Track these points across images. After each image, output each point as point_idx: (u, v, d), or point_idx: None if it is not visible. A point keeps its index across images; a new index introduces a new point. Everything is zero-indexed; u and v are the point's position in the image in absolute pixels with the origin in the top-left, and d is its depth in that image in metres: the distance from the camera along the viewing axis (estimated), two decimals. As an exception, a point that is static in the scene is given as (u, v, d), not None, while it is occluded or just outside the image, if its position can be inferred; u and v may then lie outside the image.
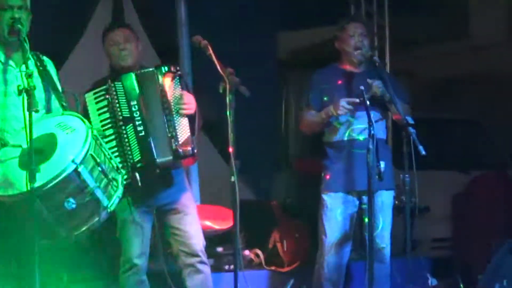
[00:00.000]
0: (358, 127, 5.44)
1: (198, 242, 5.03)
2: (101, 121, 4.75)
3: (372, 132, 5.00)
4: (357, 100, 5.21)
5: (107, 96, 4.76)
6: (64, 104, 4.45)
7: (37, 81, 4.37)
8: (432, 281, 5.97)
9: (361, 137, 5.39)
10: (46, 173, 3.87)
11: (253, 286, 6.12)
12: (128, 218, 4.97)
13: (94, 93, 4.81)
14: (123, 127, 4.72)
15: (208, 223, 5.95)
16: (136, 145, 4.71)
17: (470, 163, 8.43)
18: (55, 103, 4.46)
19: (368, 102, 5.15)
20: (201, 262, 5.02)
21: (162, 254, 5.11)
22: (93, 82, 4.94)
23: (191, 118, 4.81)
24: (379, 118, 5.48)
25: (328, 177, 5.57)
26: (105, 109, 4.77)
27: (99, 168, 4.06)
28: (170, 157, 4.73)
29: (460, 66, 10.69)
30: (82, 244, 6.29)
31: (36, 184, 3.76)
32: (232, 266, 6.12)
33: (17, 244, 4.16)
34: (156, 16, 7.06)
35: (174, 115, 4.75)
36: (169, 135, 4.73)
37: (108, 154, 4.26)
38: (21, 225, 3.95)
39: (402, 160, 5.28)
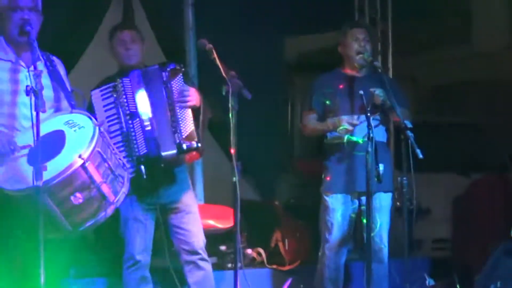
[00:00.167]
0: (358, 130, 5.46)
1: (198, 241, 5.06)
2: (107, 117, 4.80)
3: (371, 135, 5.02)
4: (357, 122, 5.28)
5: (114, 92, 4.82)
6: (72, 103, 4.48)
7: (46, 80, 4.40)
8: (429, 281, 5.97)
9: (360, 140, 5.41)
10: (55, 168, 3.90)
11: (255, 284, 6.16)
12: (131, 216, 5.00)
13: (101, 91, 4.88)
14: (130, 122, 4.77)
15: (211, 222, 5.97)
16: (142, 139, 4.76)
17: (471, 166, 8.42)
18: (64, 102, 4.48)
19: (369, 109, 5.22)
20: (202, 259, 5.06)
21: (167, 251, 5.10)
22: (100, 81, 4.98)
23: (195, 112, 4.84)
24: (378, 123, 5.50)
25: (328, 178, 5.61)
26: (112, 105, 4.83)
27: (106, 164, 4.09)
28: (174, 151, 4.77)
29: (462, 72, 10.69)
30: (88, 240, 6.34)
31: (44, 179, 3.78)
32: (232, 264, 6.15)
33: (23, 239, 4.17)
34: (164, 20, 7.07)
35: (178, 110, 4.80)
36: (173, 129, 4.77)
37: (115, 151, 4.28)
38: (28, 219, 3.98)
39: (408, 162, 5.28)
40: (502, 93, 9.94)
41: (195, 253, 5.04)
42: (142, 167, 4.70)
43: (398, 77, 8.02)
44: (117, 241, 5.54)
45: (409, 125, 5.20)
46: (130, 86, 4.84)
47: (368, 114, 5.13)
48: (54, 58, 4.58)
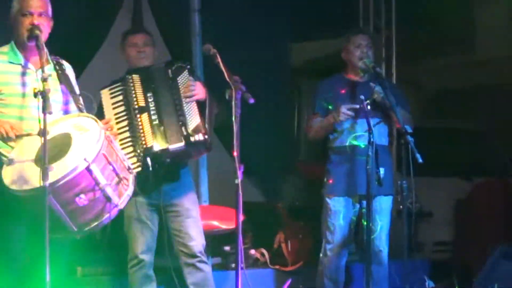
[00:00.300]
0: (359, 134, 5.46)
1: (197, 244, 5.07)
2: (115, 114, 4.85)
3: (372, 139, 5.03)
4: (357, 106, 5.25)
5: (123, 90, 4.89)
6: (80, 106, 4.48)
7: (56, 84, 4.43)
8: (429, 283, 5.96)
9: (362, 144, 5.41)
10: (60, 170, 3.91)
11: (259, 284, 6.16)
12: (134, 216, 5.02)
13: (110, 89, 4.96)
14: (138, 116, 4.80)
15: (215, 223, 5.96)
16: (149, 132, 4.78)
17: (472, 171, 8.41)
18: (72, 105, 4.49)
19: (369, 107, 5.21)
20: (201, 261, 5.07)
21: (168, 251, 5.11)
22: (109, 82, 5.03)
23: (201, 106, 4.85)
24: (379, 121, 5.50)
25: (330, 181, 5.61)
26: (120, 103, 4.89)
27: (111, 167, 4.08)
28: (182, 143, 4.77)
29: (465, 78, 10.67)
30: (95, 240, 6.35)
31: (49, 180, 3.80)
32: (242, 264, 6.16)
33: (30, 238, 4.19)
34: (172, 25, 7.09)
35: (184, 104, 4.82)
36: (180, 122, 4.78)
37: (120, 154, 4.29)
38: (34, 219, 4.00)
39: (408, 166, 5.28)
40: (504, 99, 9.92)
41: (194, 256, 5.05)
42: (148, 159, 4.71)
43: (402, 83, 8.03)
44: (123, 240, 5.56)
45: (409, 130, 5.20)
46: (139, 82, 4.89)
47: (367, 105, 5.15)
48: (64, 62, 4.58)
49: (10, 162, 4.13)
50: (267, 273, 6.42)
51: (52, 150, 3.93)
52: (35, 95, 3.91)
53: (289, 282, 6.05)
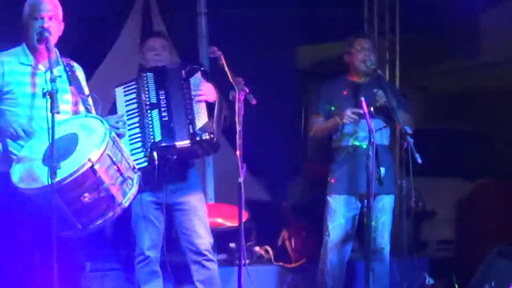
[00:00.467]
0: (361, 135, 5.47)
1: (204, 242, 5.07)
2: (127, 111, 4.89)
3: (372, 139, 5.03)
4: (361, 111, 5.24)
5: (137, 87, 4.92)
6: (88, 107, 4.49)
7: (65, 85, 4.45)
8: (429, 280, 5.95)
9: (364, 144, 5.41)
10: (66, 169, 3.91)
11: (263, 280, 6.18)
12: (141, 214, 5.03)
13: (124, 88, 4.99)
14: (149, 111, 4.83)
15: (220, 220, 5.99)
16: (158, 127, 4.82)
17: (475, 172, 8.39)
18: (81, 105, 4.50)
19: (372, 109, 5.23)
20: (207, 259, 5.07)
21: (165, 247, 5.13)
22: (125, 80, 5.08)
23: (211, 107, 4.86)
24: (382, 126, 5.51)
25: (333, 180, 5.62)
26: (133, 100, 4.92)
27: (115, 167, 4.08)
28: (188, 141, 4.79)
29: (470, 81, 10.64)
30: (104, 236, 6.38)
31: (56, 179, 3.82)
32: (244, 261, 6.15)
33: (40, 234, 4.21)
34: (180, 27, 7.10)
35: (194, 103, 4.84)
36: (188, 120, 4.81)
37: (126, 155, 4.30)
38: (41, 216, 4.02)
39: (408, 166, 5.27)
40: (508, 102, 9.88)
41: (201, 254, 5.06)
42: (155, 153, 4.74)
43: (407, 86, 8.03)
44: (130, 237, 5.58)
45: (409, 131, 5.18)
46: (152, 80, 4.93)
47: (371, 116, 5.16)
48: (74, 63, 4.60)
49: (19, 160, 4.16)
50: (271, 270, 6.42)
51: (59, 150, 3.94)
52: (44, 95, 3.93)
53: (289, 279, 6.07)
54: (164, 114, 4.83)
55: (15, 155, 4.22)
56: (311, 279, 5.87)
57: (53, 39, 4.35)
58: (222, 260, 6.11)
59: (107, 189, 4.03)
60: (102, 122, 4.23)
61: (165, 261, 5.17)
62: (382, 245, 5.54)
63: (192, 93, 4.87)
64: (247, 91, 4.64)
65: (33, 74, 4.39)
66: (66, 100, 4.43)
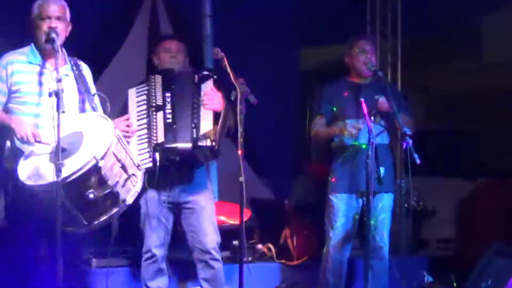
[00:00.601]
0: (361, 134, 5.46)
1: (211, 241, 5.07)
2: (137, 112, 4.89)
3: (372, 139, 5.03)
4: (361, 126, 5.28)
5: (147, 89, 4.91)
6: (94, 105, 4.54)
7: (73, 84, 4.49)
8: (427, 278, 5.95)
9: (364, 144, 5.41)
10: (71, 166, 3.94)
11: (265, 278, 6.19)
12: (150, 213, 5.04)
13: (137, 89, 4.97)
14: (154, 113, 4.84)
15: (223, 218, 5.99)
16: (162, 129, 4.81)
17: (476, 172, 8.39)
18: (87, 104, 4.53)
19: (373, 116, 5.29)
20: (213, 258, 5.07)
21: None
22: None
23: (216, 115, 4.85)
24: (382, 130, 5.51)
25: (334, 179, 5.62)
26: (143, 102, 4.91)
27: (119, 164, 4.12)
28: (190, 144, 4.78)
29: (471, 83, 10.64)
30: (111, 233, 6.39)
31: (61, 176, 3.84)
32: (247, 258, 6.17)
33: (46, 230, 4.23)
34: (186, 29, 7.11)
35: (201, 110, 4.83)
36: (193, 125, 4.79)
37: (130, 153, 4.32)
38: (47, 212, 4.04)
39: (409, 166, 5.26)
40: (508, 103, 9.87)
41: (207, 252, 5.05)
42: (157, 154, 4.75)
43: (409, 87, 8.02)
44: (137, 234, 5.59)
45: (408, 132, 5.18)
46: (161, 82, 4.91)
47: (372, 118, 5.18)
48: (81, 63, 4.64)
49: (26, 158, 4.18)
50: (273, 267, 6.41)
51: (65, 147, 3.97)
52: (50, 94, 3.96)
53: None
54: (168, 116, 4.83)
55: (22, 152, 4.24)
56: (312, 277, 5.88)
57: (61, 39, 4.38)
58: (225, 258, 6.09)
59: (112, 186, 4.06)
60: (108, 120, 4.26)
61: (169, 258, 5.20)
62: (381, 243, 5.53)
63: (202, 99, 4.85)
64: (249, 91, 4.64)
65: (41, 73, 4.42)
66: (73, 98, 4.47)
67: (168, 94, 4.88)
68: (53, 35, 4.30)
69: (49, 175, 3.95)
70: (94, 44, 6.73)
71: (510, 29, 9.84)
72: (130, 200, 4.19)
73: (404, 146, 5.09)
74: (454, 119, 10.45)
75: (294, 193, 8.11)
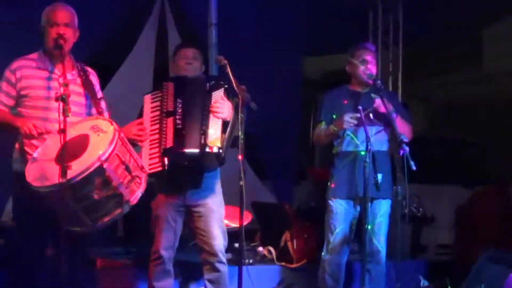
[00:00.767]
0: (360, 141, 5.48)
1: (218, 244, 5.09)
2: (151, 117, 4.92)
3: (369, 146, 5.06)
4: (358, 115, 5.28)
5: (161, 95, 4.93)
6: (100, 109, 4.56)
7: (80, 88, 4.53)
8: (423, 282, 5.95)
9: (362, 151, 5.43)
10: (77, 168, 3.96)
11: (265, 279, 6.21)
12: (161, 215, 5.06)
13: (152, 95, 5.00)
14: (165, 119, 4.87)
15: (226, 221, 5.99)
16: (171, 134, 4.83)
17: (474, 180, 8.40)
18: (93, 108, 4.56)
19: (371, 116, 5.32)
20: (219, 261, 5.09)
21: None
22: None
23: (225, 124, 4.87)
24: (381, 129, 5.53)
25: (333, 185, 5.63)
26: (157, 108, 4.93)
27: (123, 166, 4.13)
28: (197, 150, 4.79)
29: (471, 93, 10.65)
30: (117, 234, 6.42)
31: (67, 177, 3.87)
32: (248, 261, 6.20)
33: (53, 230, 4.27)
34: (192, 37, 7.16)
35: (210, 117, 4.84)
36: (201, 132, 4.80)
37: (134, 155, 4.34)
38: (53, 213, 4.07)
39: (405, 173, 5.28)
40: (507, 113, 9.88)
41: (214, 255, 5.08)
42: (166, 159, 4.77)
43: (411, 96, 8.05)
44: (144, 235, 5.62)
45: (405, 140, 5.20)
46: (172, 88, 4.93)
47: (370, 115, 5.26)
48: (88, 68, 4.67)
49: (34, 160, 4.22)
50: (273, 269, 6.42)
51: (71, 150, 4.00)
52: (57, 98, 3.99)
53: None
54: (178, 121, 4.85)
55: (30, 154, 4.28)
56: (311, 279, 5.89)
57: (68, 45, 4.43)
58: (227, 259, 6.14)
59: (116, 187, 4.08)
60: (112, 124, 4.28)
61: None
62: (379, 248, 5.54)
63: (212, 107, 4.86)
64: (249, 98, 4.67)
65: (49, 78, 4.46)
66: (79, 103, 4.51)
67: (179, 101, 4.90)
68: (61, 41, 4.35)
69: (55, 177, 3.97)
70: (103, 50, 6.78)
71: (510, 40, 9.87)
72: (133, 201, 4.20)
73: (401, 154, 5.10)
74: (454, 128, 10.46)
75: (297, 198, 8.14)
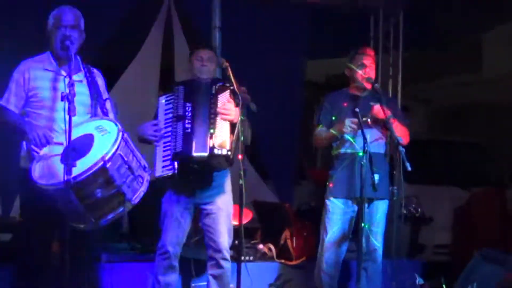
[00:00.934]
0: (358, 143, 5.50)
1: (224, 241, 5.14)
2: (165, 119, 4.97)
3: (366, 148, 5.09)
4: (357, 120, 5.31)
5: (174, 97, 4.97)
6: (105, 110, 4.60)
7: (85, 89, 4.57)
8: (419, 280, 5.97)
9: (360, 152, 5.44)
10: (81, 167, 4.01)
11: (265, 276, 6.24)
12: (169, 212, 5.11)
13: (166, 98, 5.04)
14: (175, 123, 4.91)
15: (230, 219, 6.06)
16: (181, 138, 4.87)
17: (472, 181, 8.41)
18: (98, 108, 4.60)
19: (369, 121, 5.33)
20: (223, 258, 5.14)
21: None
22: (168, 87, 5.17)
23: (232, 125, 4.90)
24: (379, 137, 5.56)
25: (331, 185, 5.65)
26: (170, 110, 4.98)
27: (126, 166, 4.17)
28: (206, 153, 4.82)
29: (470, 96, 10.65)
30: (121, 230, 6.46)
31: (71, 176, 3.92)
32: (249, 257, 6.22)
33: (58, 226, 4.31)
34: (197, 40, 7.18)
35: (218, 120, 4.86)
36: (210, 135, 4.83)
37: (137, 155, 4.38)
38: (58, 210, 4.12)
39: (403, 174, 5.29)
40: (505, 115, 9.89)
41: (219, 251, 5.12)
42: (176, 163, 4.82)
43: (411, 99, 8.06)
44: (149, 232, 5.65)
45: (401, 141, 5.24)
46: (183, 94, 4.97)
47: (368, 121, 5.28)
48: (94, 70, 4.71)
49: (40, 158, 4.26)
50: (273, 266, 6.45)
51: (76, 149, 4.05)
52: (62, 98, 4.04)
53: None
54: (187, 126, 4.88)
55: (37, 152, 4.33)
56: (310, 276, 5.91)
57: (75, 47, 4.48)
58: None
59: (118, 186, 4.13)
60: (116, 124, 4.32)
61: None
62: (375, 247, 5.56)
63: (218, 109, 4.88)
64: (249, 99, 4.71)
65: (55, 79, 4.50)
66: (85, 103, 4.54)
67: (189, 104, 4.94)
68: (68, 43, 4.39)
69: (60, 175, 4.02)
70: (111, 51, 6.82)
71: (509, 44, 9.87)
72: (135, 200, 4.26)
73: (397, 155, 5.13)
74: (453, 130, 10.46)
75: (298, 197, 8.16)
